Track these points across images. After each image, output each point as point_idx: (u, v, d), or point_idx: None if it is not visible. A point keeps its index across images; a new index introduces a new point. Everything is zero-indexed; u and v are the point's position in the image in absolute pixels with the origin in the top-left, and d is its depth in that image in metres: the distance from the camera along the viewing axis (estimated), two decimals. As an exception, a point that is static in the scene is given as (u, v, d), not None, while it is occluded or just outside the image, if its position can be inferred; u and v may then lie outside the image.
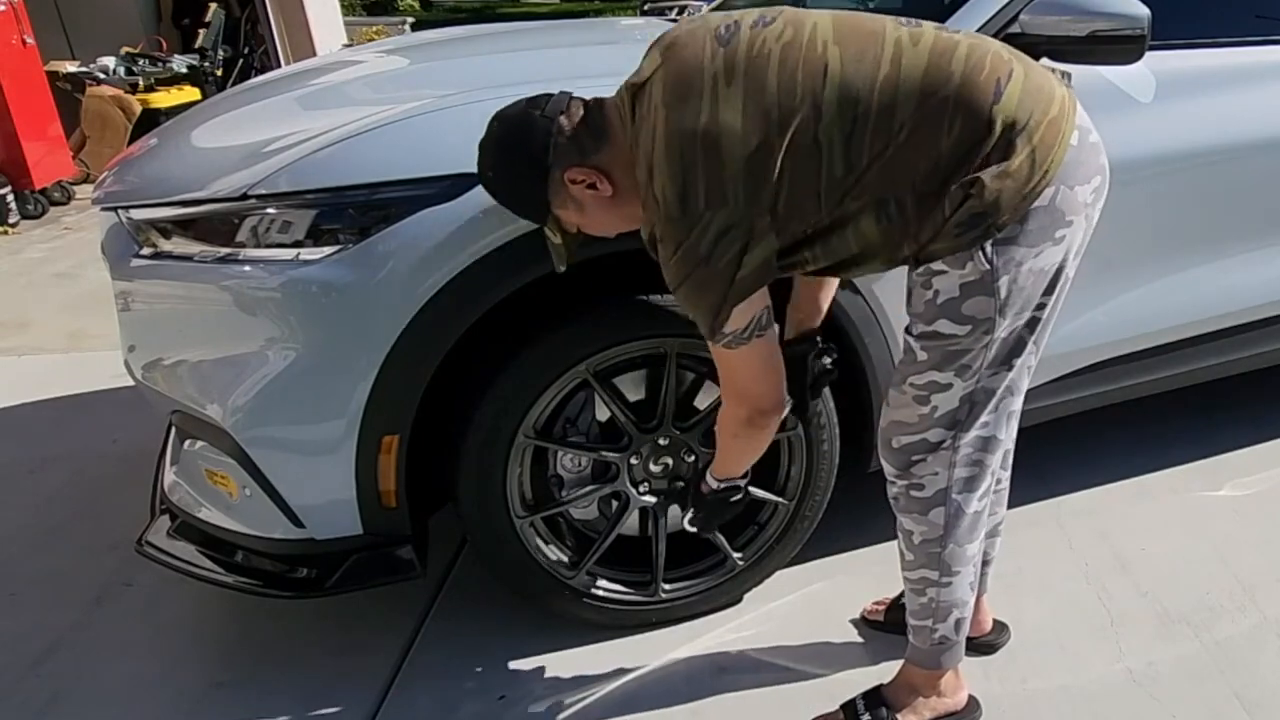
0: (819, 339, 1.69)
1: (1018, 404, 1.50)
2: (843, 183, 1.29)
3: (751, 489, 1.90)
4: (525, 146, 1.36)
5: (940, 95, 1.26)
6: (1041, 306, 1.38)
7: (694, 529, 1.75)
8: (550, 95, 1.39)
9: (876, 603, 1.96)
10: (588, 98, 1.40)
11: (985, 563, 1.75)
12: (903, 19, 1.35)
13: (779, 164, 1.26)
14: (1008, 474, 1.70)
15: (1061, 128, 1.29)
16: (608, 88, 1.40)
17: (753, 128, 1.25)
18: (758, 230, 1.28)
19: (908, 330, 1.43)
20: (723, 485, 1.66)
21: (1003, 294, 1.32)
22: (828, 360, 1.69)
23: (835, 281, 1.69)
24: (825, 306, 1.70)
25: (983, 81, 1.26)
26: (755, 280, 1.31)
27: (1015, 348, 1.40)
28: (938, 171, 1.28)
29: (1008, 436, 1.52)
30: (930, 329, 1.37)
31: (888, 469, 1.54)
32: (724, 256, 1.28)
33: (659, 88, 1.31)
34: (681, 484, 1.85)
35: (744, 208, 1.27)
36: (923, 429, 1.45)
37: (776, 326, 1.41)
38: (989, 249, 1.29)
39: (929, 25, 1.34)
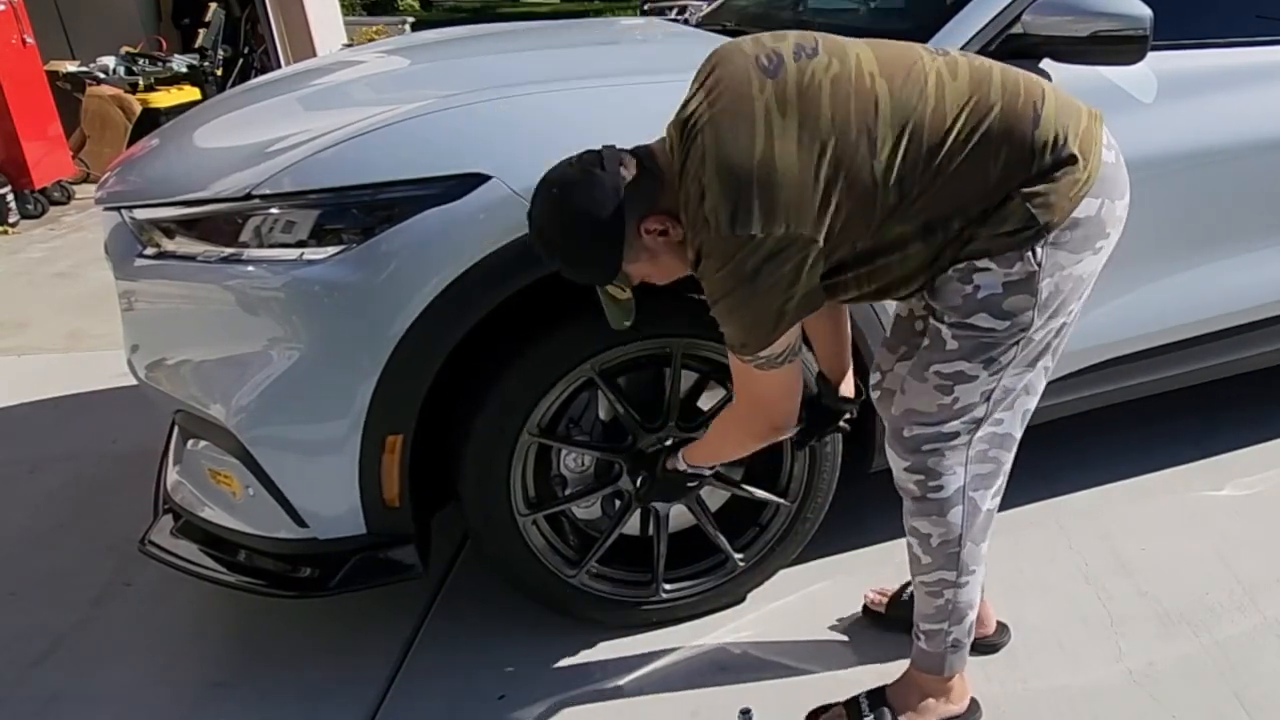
0: (860, 398, 1.74)
1: (1033, 403, 1.52)
2: (894, 211, 1.32)
3: (753, 489, 1.92)
4: (599, 206, 1.32)
5: (986, 126, 1.31)
6: (1071, 312, 1.43)
7: (639, 495, 1.82)
8: (597, 151, 1.36)
9: (879, 592, 1.95)
10: (629, 147, 1.38)
11: None
12: (932, 48, 1.39)
13: (835, 195, 1.28)
14: None
15: (1095, 135, 1.36)
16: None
17: (808, 159, 1.26)
18: (810, 256, 1.28)
19: (935, 317, 1.43)
20: (690, 470, 1.72)
21: (1043, 295, 1.36)
22: (849, 416, 1.75)
23: (848, 321, 1.71)
24: (848, 345, 1.72)
25: (1021, 109, 1.32)
26: (805, 306, 1.32)
27: (1042, 350, 1.44)
28: (986, 195, 1.32)
29: (1020, 434, 1.54)
30: (967, 321, 1.39)
31: (901, 465, 1.52)
32: (770, 278, 1.28)
33: (706, 117, 1.29)
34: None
35: (795, 233, 1.26)
36: (939, 420, 1.46)
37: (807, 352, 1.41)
38: (1039, 251, 1.33)
39: (955, 53, 1.39)
